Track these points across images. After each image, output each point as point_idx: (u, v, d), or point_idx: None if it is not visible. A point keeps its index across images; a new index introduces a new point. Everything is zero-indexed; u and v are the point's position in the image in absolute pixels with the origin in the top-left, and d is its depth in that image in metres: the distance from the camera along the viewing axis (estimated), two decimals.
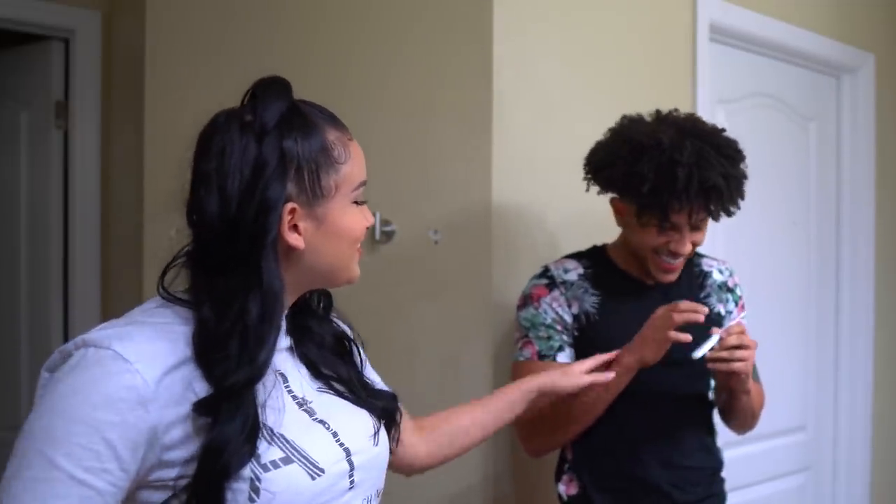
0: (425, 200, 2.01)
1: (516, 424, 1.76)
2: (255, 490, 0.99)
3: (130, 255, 2.70)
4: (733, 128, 2.61)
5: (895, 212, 3.14)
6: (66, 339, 2.99)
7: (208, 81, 2.37)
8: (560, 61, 2.08)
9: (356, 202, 1.10)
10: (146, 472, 0.97)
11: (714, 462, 1.81)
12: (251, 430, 0.99)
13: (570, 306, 1.73)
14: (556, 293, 1.73)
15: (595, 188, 1.74)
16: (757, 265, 2.69)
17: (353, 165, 1.09)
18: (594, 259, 1.79)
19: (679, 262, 1.70)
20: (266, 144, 1.03)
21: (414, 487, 2.03)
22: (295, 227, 1.04)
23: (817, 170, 2.96)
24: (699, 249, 1.81)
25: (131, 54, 2.75)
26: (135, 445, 0.95)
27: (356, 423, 1.14)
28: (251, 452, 0.99)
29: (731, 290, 1.86)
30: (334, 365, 1.18)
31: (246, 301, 1.00)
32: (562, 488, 1.76)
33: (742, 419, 1.81)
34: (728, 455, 2.53)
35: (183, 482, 0.98)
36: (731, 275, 1.88)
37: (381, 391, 1.22)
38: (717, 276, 1.85)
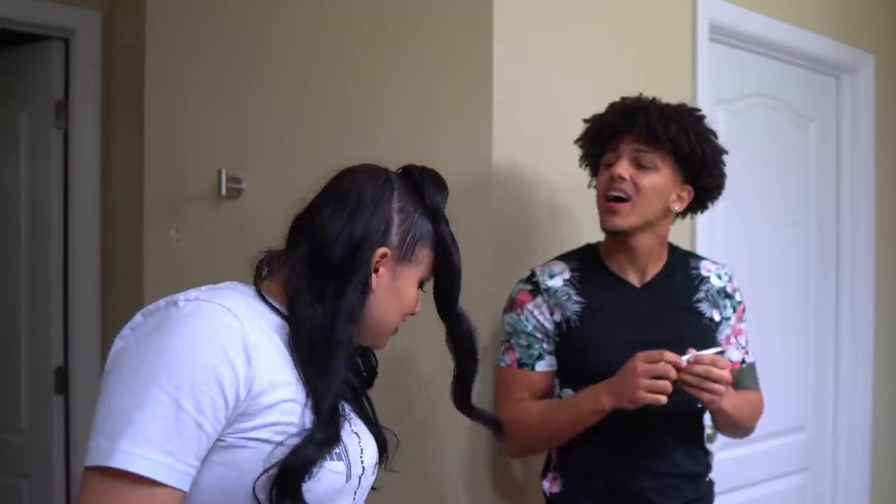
0: None
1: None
2: (311, 473, 1.05)
3: (130, 255, 2.70)
4: (733, 128, 2.63)
5: (895, 212, 3.14)
6: (66, 339, 2.99)
7: (208, 81, 2.37)
8: (560, 61, 2.08)
9: (421, 285, 1.28)
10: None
11: (699, 467, 1.77)
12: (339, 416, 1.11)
13: (552, 314, 1.72)
14: (538, 300, 1.73)
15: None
16: (757, 265, 2.69)
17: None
18: (583, 260, 1.78)
19: (620, 203, 1.66)
20: (414, 213, 1.23)
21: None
22: (376, 271, 1.18)
23: (817, 170, 2.95)
24: (700, 252, 1.81)
25: (131, 54, 2.75)
26: (237, 399, 1.02)
27: (371, 448, 1.22)
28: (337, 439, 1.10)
29: (729, 296, 1.81)
30: (360, 392, 1.29)
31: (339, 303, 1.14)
32: (546, 485, 1.77)
33: (729, 431, 1.80)
34: (728, 455, 2.54)
35: (255, 440, 1.03)
36: (730, 280, 1.83)
37: (385, 429, 1.31)
38: (715, 282, 1.80)
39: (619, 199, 1.66)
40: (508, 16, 1.94)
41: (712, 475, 1.83)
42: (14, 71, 3.09)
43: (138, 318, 1.07)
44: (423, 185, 1.27)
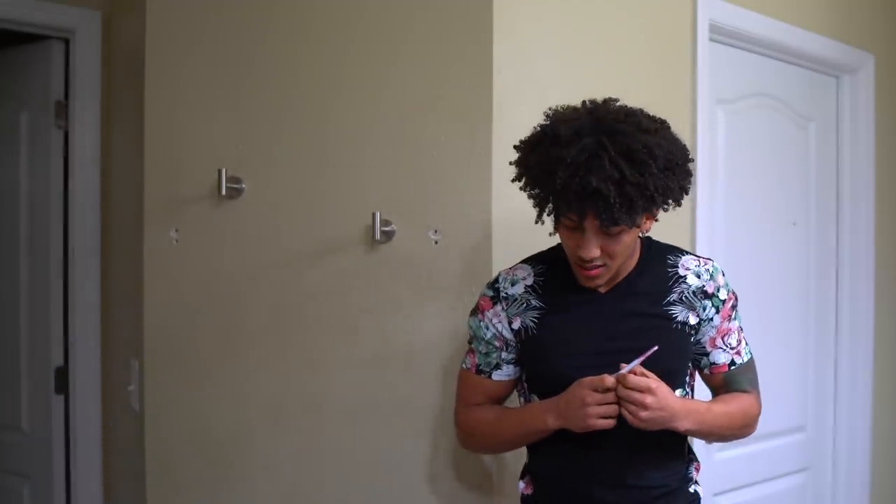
0: (425, 200, 2.01)
1: (455, 424, 1.78)
2: None
3: (130, 255, 2.70)
4: (733, 128, 2.63)
5: (895, 212, 3.14)
6: (66, 338, 2.99)
7: (208, 81, 2.37)
8: (560, 61, 2.08)
9: None
10: None
11: (674, 481, 1.68)
12: None
13: (510, 323, 1.67)
14: (497, 308, 1.68)
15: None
16: (757, 265, 2.69)
17: None
18: (550, 262, 1.70)
19: (596, 270, 1.56)
20: None
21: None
22: None
23: (817, 170, 2.96)
24: (685, 246, 1.73)
25: (131, 54, 2.75)
26: None
27: None
28: None
29: (710, 297, 1.66)
30: None
31: None
32: (521, 485, 1.75)
33: (713, 441, 1.77)
34: (728, 455, 2.54)
35: None
36: (711, 278, 1.67)
37: None
38: (692, 282, 1.65)
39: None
40: (508, 16, 1.95)
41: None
42: (14, 71, 3.09)
43: None
44: None
